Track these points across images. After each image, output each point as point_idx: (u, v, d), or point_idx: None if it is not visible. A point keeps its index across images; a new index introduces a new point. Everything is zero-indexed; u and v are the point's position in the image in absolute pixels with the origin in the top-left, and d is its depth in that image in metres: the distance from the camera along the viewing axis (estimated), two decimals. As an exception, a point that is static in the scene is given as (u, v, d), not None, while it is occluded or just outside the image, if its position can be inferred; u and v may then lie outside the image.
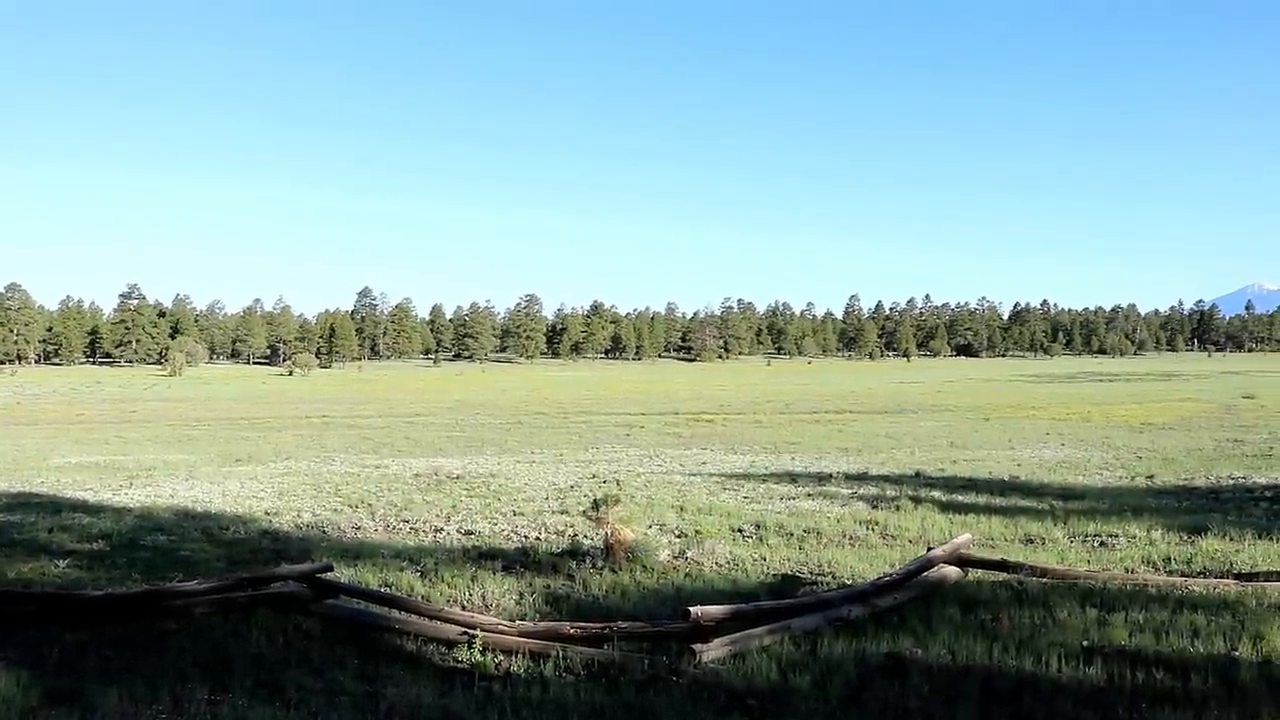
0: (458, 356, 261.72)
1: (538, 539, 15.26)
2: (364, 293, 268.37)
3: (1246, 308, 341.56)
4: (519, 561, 13.08)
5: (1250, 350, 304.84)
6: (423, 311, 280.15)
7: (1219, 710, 6.98)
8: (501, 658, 8.38)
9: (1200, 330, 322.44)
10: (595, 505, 13.52)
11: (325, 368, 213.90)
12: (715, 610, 8.50)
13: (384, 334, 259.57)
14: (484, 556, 13.50)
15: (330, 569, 10.62)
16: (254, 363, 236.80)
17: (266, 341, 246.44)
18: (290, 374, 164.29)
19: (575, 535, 15.19)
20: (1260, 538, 14.68)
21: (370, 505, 19.33)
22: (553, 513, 18.10)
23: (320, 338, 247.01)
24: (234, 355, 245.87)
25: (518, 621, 9.17)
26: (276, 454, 32.63)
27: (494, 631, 8.58)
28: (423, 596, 10.78)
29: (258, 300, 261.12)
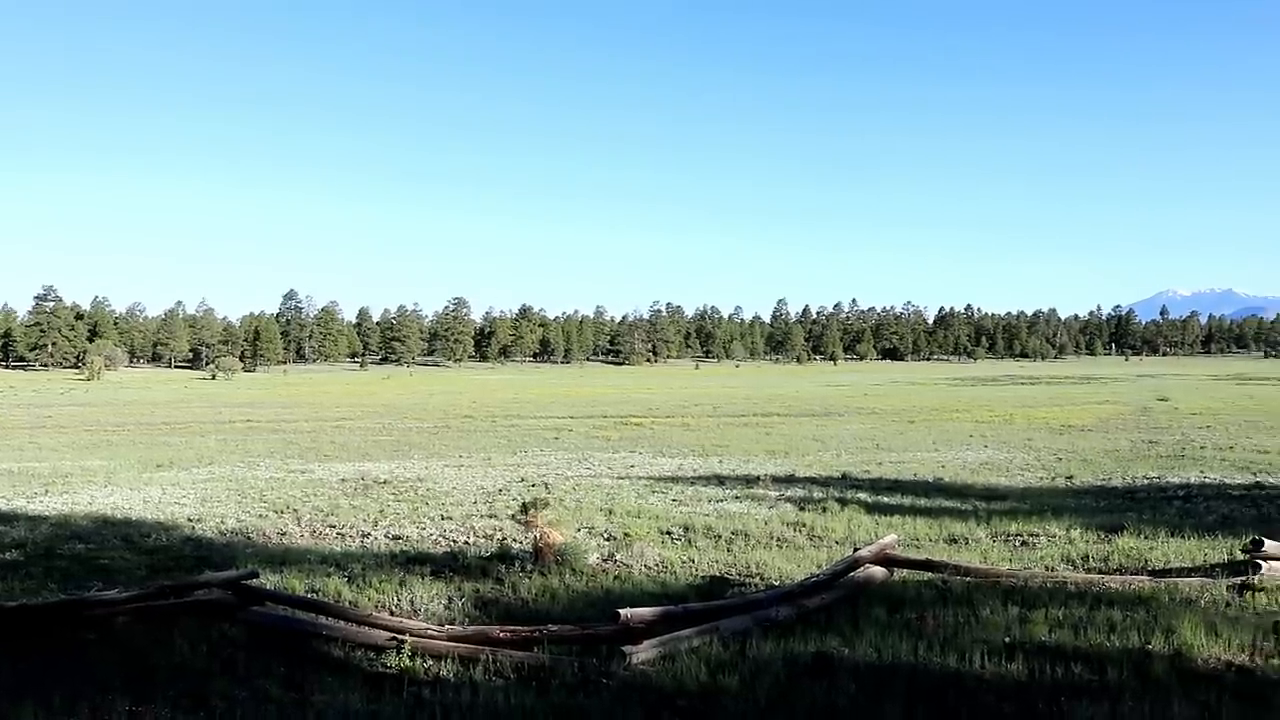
0: (385, 360, 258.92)
1: (466, 543, 15.21)
2: (289, 295, 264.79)
3: (1161, 313, 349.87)
4: (447, 566, 13.04)
5: (1164, 354, 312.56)
6: (349, 315, 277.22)
7: (1133, 702, 7.18)
8: (431, 662, 8.35)
9: (1117, 334, 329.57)
10: (524, 509, 13.51)
11: (250, 371, 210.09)
12: (645, 612, 8.56)
13: (310, 337, 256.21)
14: (412, 561, 13.44)
15: (256, 575, 10.50)
16: (176, 367, 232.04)
17: (189, 345, 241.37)
18: (213, 378, 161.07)
19: (504, 539, 15.14)
20: (1173, 535, 15.09)
21: (296, 511, 19.09)
22: (481, 517, 18.03)
23: (245, 341, 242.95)
24: (155, 359, 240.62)
25: (447, 626, 9.14)
26: (199, 459, 32.04)
27: (423, 636, 8.55)
28: (350, 602, 10.70)
29: (180, 303, 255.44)
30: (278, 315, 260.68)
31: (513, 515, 14.66)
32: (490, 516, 17.95)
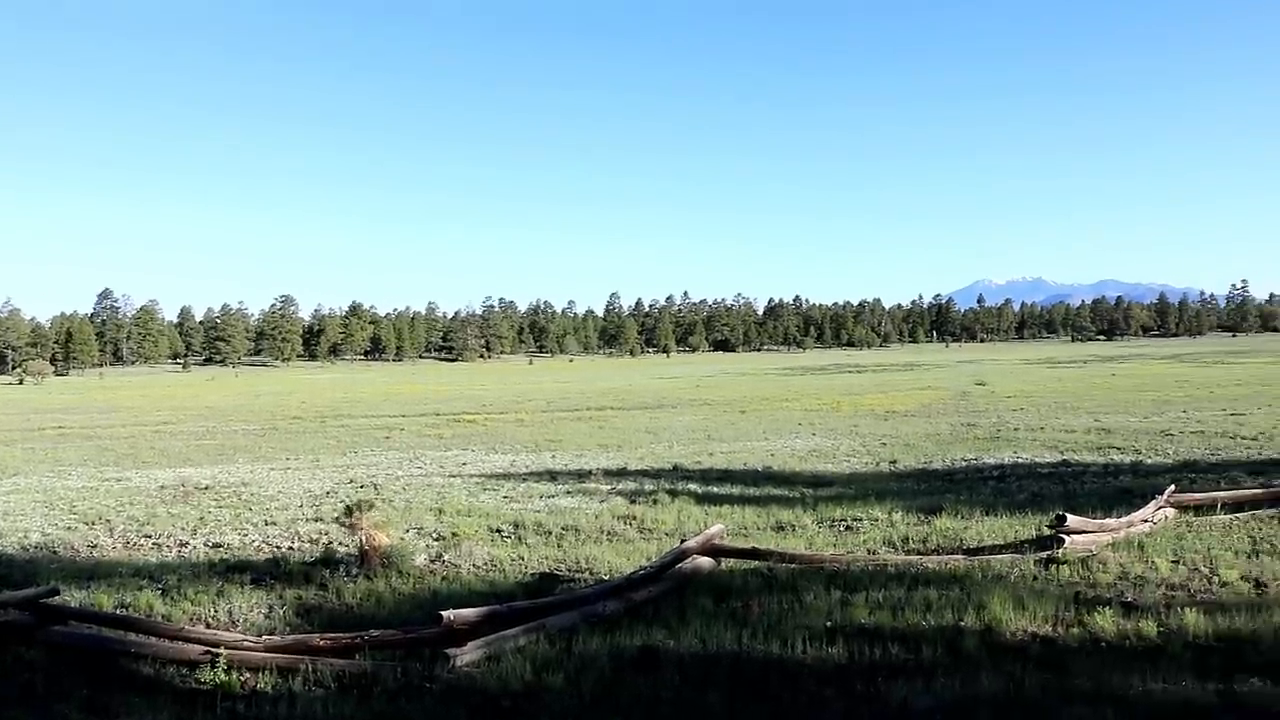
0: (209, 361, 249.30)
1: (290, 549, 14.79)
2: (104, 294, 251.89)
3: (978, 301, 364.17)
4: (270, 573, 12.64)
5: (982, 340, 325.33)
6: (170, 314, 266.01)
7: (945, 678, 7.44)
8: (248, 675, 8.06)
9: (938, 322, 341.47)
10: (348, 511, 13.19)
11: (62, 375, 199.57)
12: (469, 613, 8.44)
13: (128, 338, 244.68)
14: (232, 570, 12.97)
15: (57, 593, 9.91)
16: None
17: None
18: (21, 383, 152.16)
19: (330, 543, 14.74)
20: (987, 514, 15.74)
21: (109, 521, 18.17)
22: (307, 520, 17.56)
23: (56, 343, 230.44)
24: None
25: (264, 636, 8.83)
26: (3, 470, 30.30)
27: (239, 649, 8.24)
28: (163, 616, 10.26)
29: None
30: (92, 315, 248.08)
31: (337, 518, 14.27)
32: (316, 520, 17.48)
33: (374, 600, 11.14)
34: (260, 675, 8.04)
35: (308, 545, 15.01)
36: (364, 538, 12.85)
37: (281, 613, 10.56)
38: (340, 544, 14.37)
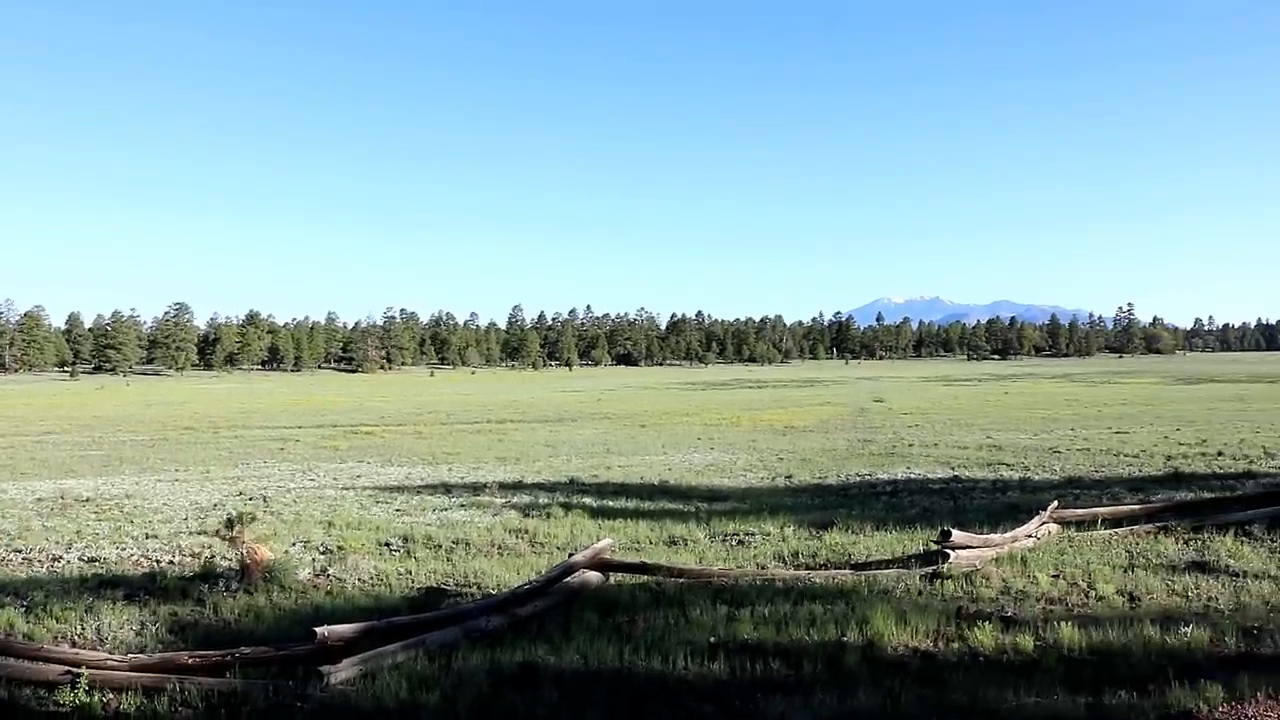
0: (98, 369, 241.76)
1: (170, 563, 14.29)
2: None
3: (877, 319, 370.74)
4: (145, 588, 12.18)
5: (881, 358, 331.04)
6: (58, 320, 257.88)
7: (823, 694, 7.44)
8: (111, 696, 7.73)
9: (839, 339, 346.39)
10: (229, 523, 12.81)
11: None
12: (344, 629, 8.21)
13: (10, 345, 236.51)
14: (105, 585, 12.46)
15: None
16: None
17: None
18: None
19: (212, 557, 14.28)
20: (878, 529, 15.89)
21: (-24, 536, 17.39)
22: (190, 534, 17.02)
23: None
24: None
25: (130, 655, 8.45)
26: None
27: (102, 668, 7.89)
28: (25, 635, 9.79)
29: None
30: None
31: (216, 531, 13.82)
32: (201, 533, 16.94)
33: (253, 616, 10.80)
34: (124, 696, 7.70)
35: (189, 559, 14.51)
36: (245, 551, 12.50)
37: (154, 630, 10.17)
38: (223, 558, 13.94)
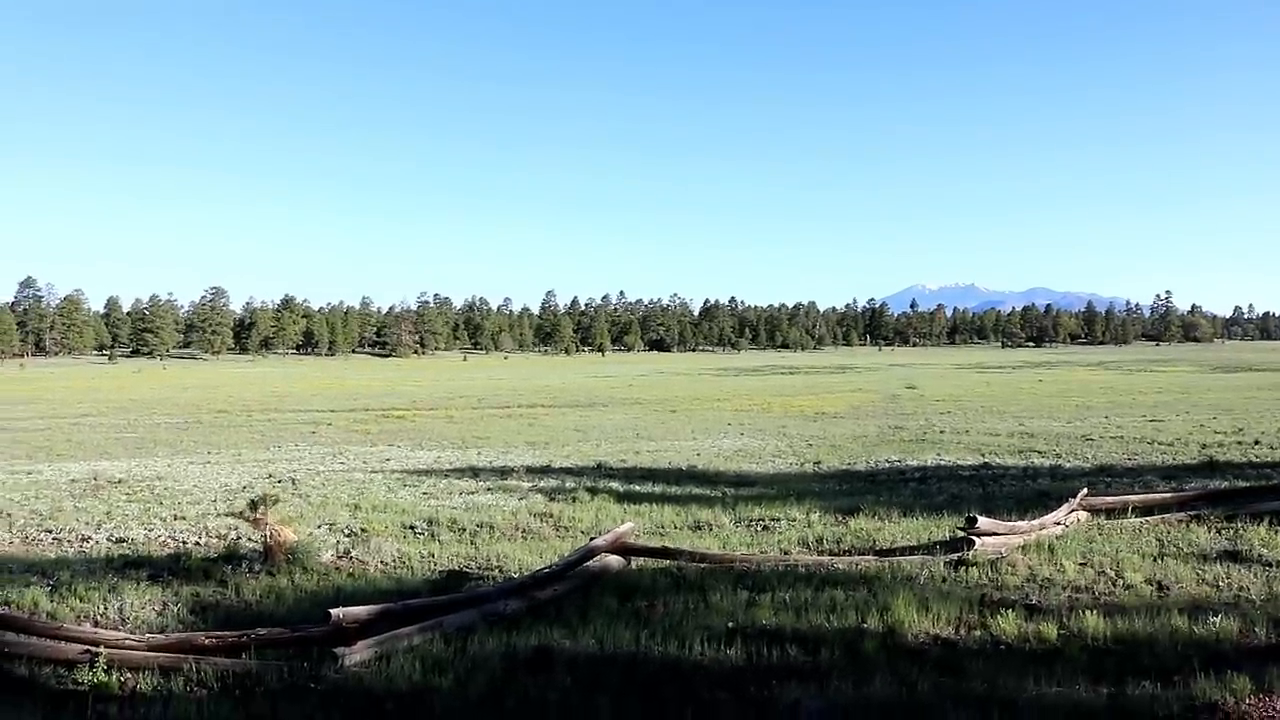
0: (136, 353, 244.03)
1: (196, 544, 14.37)
2: (27, 283, 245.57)
3: (911, 305, 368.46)
4: (169, 569, 12.23)
5: (914, 344, 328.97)
6: (97, 304, 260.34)
7: (839, 681, 7.34)
8: (129, 676, 7.74)
9: (872, 326, 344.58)
10: (253, 505, 12.82)
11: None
12: (359, 611, 8.18)
13: (51, 328, 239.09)
14: (130, 566, 12.53)
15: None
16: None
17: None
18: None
19: (238, 539, 14.33)
20: (904, 516, 15.72)
21: (9, 515, 17.49)
22: (218, 515, 17.08)
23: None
24: None
25: (148, 635, 8.48)
26: (-94, 462, 29.32)
27: (120, 648, 7.90)
28: (48, 614, 9.85)
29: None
30: (13, 304, 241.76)
31: (239, 512, 13.85)
32: (229, 515, 16.92)
33: (274, 598, 10.83)
34: (141, 675, 7.72)
35: (215, 540, 14.60)
36: (269, 533, 12.54)
37: (175, 610, 10.22)
38: (248, 540, 13.98)
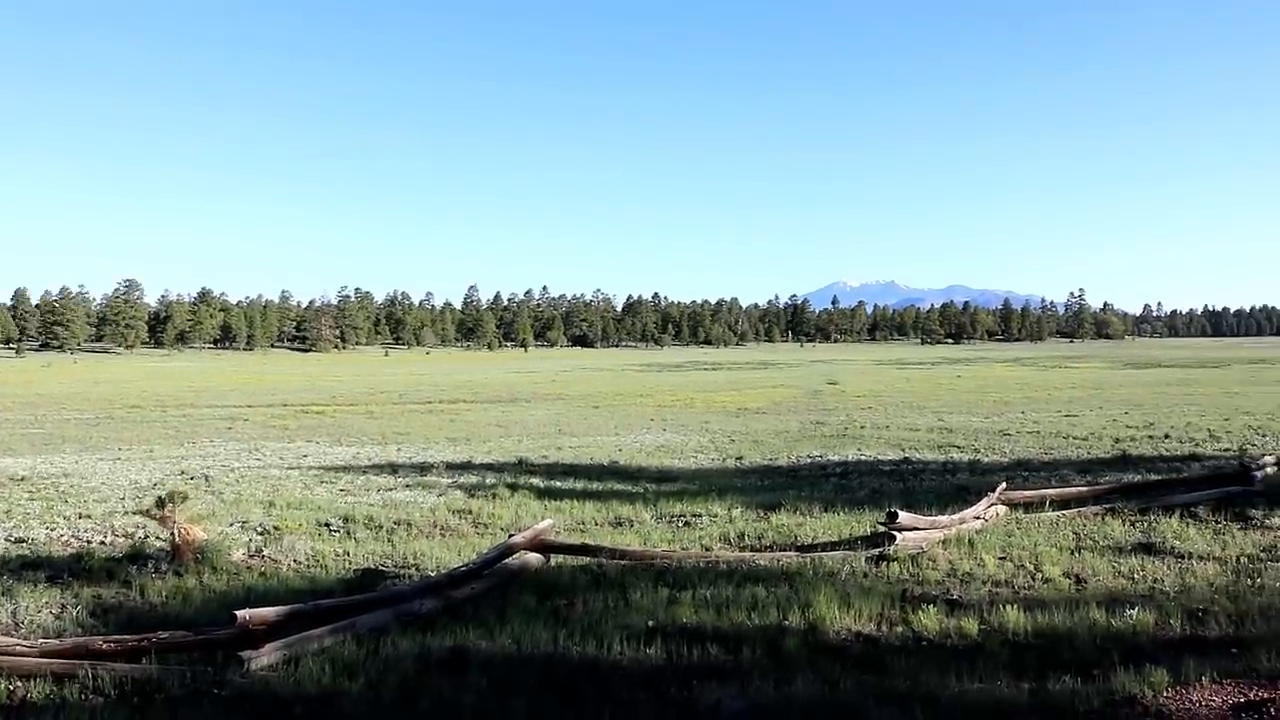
0: (45, 346, 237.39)
1: (101, 543, 13.86)
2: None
3: (833, 302, 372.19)
4: (69, 569, 11.76)
5: (836, 340, 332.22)
6: (3, 296, 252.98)
7: (760, 680, 7.21)
8: (19, 684, 7.35)
9: (794, 322, 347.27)
10: (160, 503, 12.37)
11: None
12: (268, 613, 7.88)
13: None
14: (28, 567, 12.02)
15: None
16: None
17: None
18: None
19: (144, 538, 13.87)
20: (826, 511, 15.73)
21: (-101, 516, 16.78)
22: (125, 514, 16.51)
23: None
24: None
25: (41, 640, 8.09)
26: None
27: (9, 654, 7.52)
28: (-65, 620, 9.39)
29: None
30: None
31: (145, 510, 13.37)
32: (137, 513, 16.35)
33: (180, 599, 10.45)
34: (33, 684, 7.33)
35: (121, 540, 14.09)
36: (177, 531, 12.12)
37: (75, 613, 9.80)
38: (156, 539, 13.52)
